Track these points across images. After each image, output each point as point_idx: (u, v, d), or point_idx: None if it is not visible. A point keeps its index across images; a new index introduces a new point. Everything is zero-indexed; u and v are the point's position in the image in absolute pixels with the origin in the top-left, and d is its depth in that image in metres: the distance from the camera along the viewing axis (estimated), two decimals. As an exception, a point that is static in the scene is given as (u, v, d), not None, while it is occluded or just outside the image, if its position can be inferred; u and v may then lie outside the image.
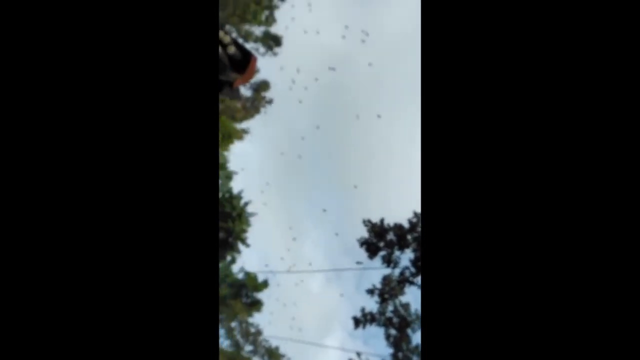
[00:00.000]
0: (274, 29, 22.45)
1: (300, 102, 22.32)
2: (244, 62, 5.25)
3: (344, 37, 21.24)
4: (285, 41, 22.47)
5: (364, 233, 14.18)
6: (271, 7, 21.95)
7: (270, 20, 22.20)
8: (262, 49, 22.68)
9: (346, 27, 22.23)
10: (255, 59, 5.38)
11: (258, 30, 22.54)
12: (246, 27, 22.04)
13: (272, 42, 22.63)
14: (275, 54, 22.68)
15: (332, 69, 22.23)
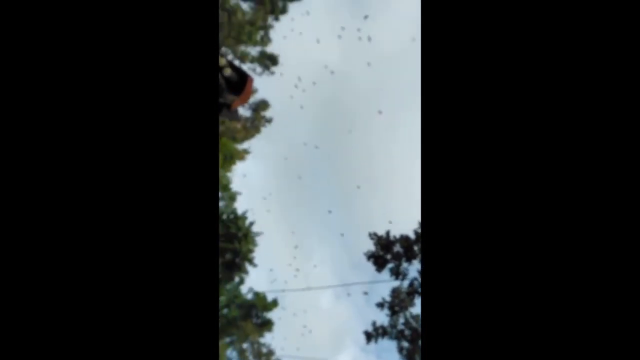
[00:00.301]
0: (271, 48, 22.64)
1: (301, 107, 22.40)
2: (241, 84, 5.28)
3: (339, 36, 21.43)
4: (284, 50, 22.68)
5: (370, 244, 14.14)
6: (266, 27, 22.15)
7: (266, 40, 22.40)
8: (259, 69, 22.84)
9: (342, 28, 22.48)
10: (251, 80, 5.41)
11: (254, 51, 22.73)
12: (242, 48, 22.23)
13: (269, 61, 22.79)
14: (272, 73, 22.84)
15: (331, 72, 22.41)
